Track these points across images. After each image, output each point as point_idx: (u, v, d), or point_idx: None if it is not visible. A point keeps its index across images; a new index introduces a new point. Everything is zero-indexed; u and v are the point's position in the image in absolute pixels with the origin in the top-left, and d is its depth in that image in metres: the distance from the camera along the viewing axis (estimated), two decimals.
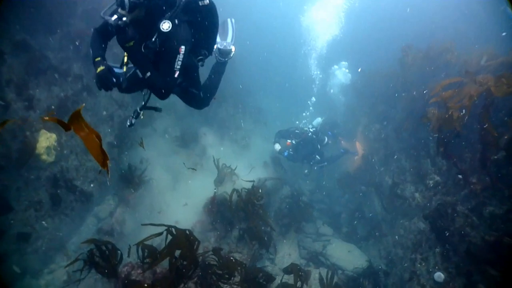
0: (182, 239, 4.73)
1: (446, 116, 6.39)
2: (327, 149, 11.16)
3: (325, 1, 16.26)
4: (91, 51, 3.48)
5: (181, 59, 3.35)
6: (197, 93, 4.32)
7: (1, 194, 5.69)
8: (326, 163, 10.99)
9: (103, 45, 3.61)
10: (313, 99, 14.95)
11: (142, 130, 9.75)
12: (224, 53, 4.80)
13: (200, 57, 4.12)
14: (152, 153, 9.25)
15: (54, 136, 6.41)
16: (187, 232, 4.88)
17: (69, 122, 1.98)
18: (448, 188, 6.71)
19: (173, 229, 4.78)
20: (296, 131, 10.65)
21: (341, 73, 15.20)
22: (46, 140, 6.25)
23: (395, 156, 9.27)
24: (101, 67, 3.29)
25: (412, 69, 9.88)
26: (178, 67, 3.36)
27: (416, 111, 8.51)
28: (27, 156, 5.96)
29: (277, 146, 10.56)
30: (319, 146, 10.73)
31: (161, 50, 3.41)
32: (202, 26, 3.80)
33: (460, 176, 6.21)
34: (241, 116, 13.48)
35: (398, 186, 8.47)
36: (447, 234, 5.74)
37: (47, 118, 2.00)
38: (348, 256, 8.38)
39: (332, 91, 15.33)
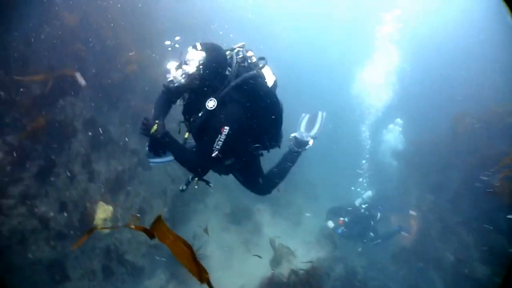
0: None
1: None
2: (380, 225, 10.58)
3: (375, 66, 16.49)
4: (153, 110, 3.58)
5: (222, 140, 3.14)
6: (256, 179, 4.11)
7: (61, 262, 5.73)
8: (380, 240, 10.40)
9: (166, 108, 3.67)
10: (364, 162, 14.51)
11: (195, 205, 9.81)
12: (300, 143, 4.59)
13: (257, 145, 3.77)
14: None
15: (110, 208, 6.55)
16: None
17: (152, 229, 1.92)
18: None
19: None
20: (349, 208, 10.38)
21: (394, 136, 14.84)
22: (103, 212, 6.38)
23: (454, 230, 8.58)
24: (155, 128, 3.30)
25: (464, 137, 9.51)
26: (218, 147, 3.15)
27: (475, 181, 8.00)
28: (86, 226, 6.07)
29: (330, 224, 10.24)
30: (372, 223, 10.30)
31: (204, 127, 3.28)
32: (259, 110, 3.49)
33: None
34: (292, 192, 13.33)
35: (463, 264, 7.72)
36: None
37: (133, 226, 1.98)
38: None
39: (382, 156, 14.78)
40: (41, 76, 6.07)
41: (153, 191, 8.62)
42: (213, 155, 3.16)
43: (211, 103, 3.17)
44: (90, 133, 6.86)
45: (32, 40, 6.35)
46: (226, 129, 3.13)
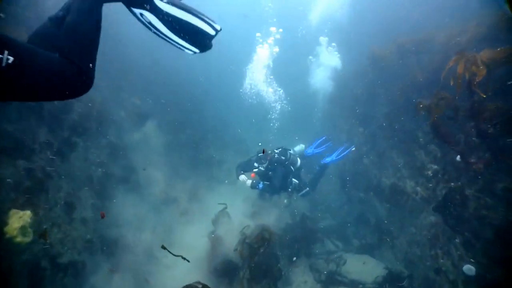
0: None
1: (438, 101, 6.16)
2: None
3: None
4: None
5: None
6: None
7: None
8: (308, 188, 8.97)
9: None
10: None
11: (124, 186, 9.30)
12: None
13: None
14: (139, 210, 8.86)
15: (28, 213, 5.84)
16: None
17: None
18: (449, 174, 6.45)
19: None
20: (259, 154, 8.63)
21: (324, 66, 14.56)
22: (18, 220, 5.69)
23: (387, 155, 9.03)
24: None
25: (384, 65, 9.74)
26: None
27: (399, 105, 8.38)
28: None
29: (247, 181, 8.37)
30: (292, 169, 8.81)
31: None
32: None
33: (458, 159, 5.97)
34: (223, 152, 13.20)
35: (396, 184, 8.21)
36: (463, 221, 5.43)
37: None
38: (364, 268, 7.95)
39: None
40: None
41: (78, 181, 8.02)
42: None
43: None
44: None
45: None
46: None
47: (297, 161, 8.92)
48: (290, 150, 9.00)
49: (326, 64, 14.53)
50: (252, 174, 8.31)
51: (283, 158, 8.59)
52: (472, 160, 5.56)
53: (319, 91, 14.11)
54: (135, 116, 11.43)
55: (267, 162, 8.39)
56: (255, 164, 8.49)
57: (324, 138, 10.01)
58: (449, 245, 5.89)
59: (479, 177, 5.34)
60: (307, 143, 10.24)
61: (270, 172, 8.36)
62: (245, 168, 8.64)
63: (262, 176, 8.43)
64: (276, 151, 8.68)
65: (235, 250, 6.75)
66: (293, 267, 7.94)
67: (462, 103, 5.72)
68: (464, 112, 5.73)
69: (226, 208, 8.27)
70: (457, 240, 5.66)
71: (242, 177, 8.37)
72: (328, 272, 7.97)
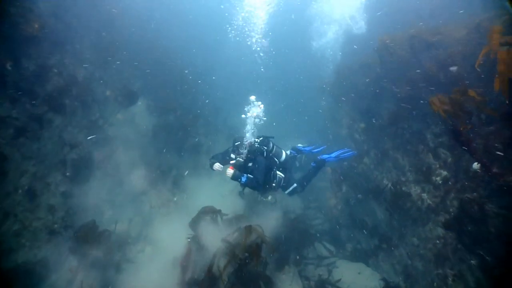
0: None
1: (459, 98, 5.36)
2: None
3: None
4: None
5: None
6: None
7: None
8: (296, 185, 7.55)
9: None
10: None
11: (100, 170, 8.49)
12: None
13: None
14: (115, 198, 8.07)
15: None
16: None
17: None
18: (462, 184, 5.69)
19: None
20: (237, 142, 7.20)
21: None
22: None
23: (390, 155, 8.25)
24: None
25: (392, 57, 8.87)
26: None
27: (407, 102, 7.57)
28: None
29: (227, 171, 6.75)
30: (276, 160, 7.57)
31: None
32: None
33: (476, 167, 5.22)
34: (213, 137, 12.38)
35: (400, 188, 7.44)
36: (482, 241, 4.67)
37: None
38: (359, 279, 7.30)
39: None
40: None
41: (47, 164, 7.18)
42: None
43: None
44: None
45: None
46: None
47: (281, 153, 7.64)
48: (273, 138, 7.70)
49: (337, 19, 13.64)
50: (230, 167, 6.84)
51: (264, 148, 7.33)
52: (495, 170, 4.79)
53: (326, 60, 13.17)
54: (121, 95, 10.50)
55: (246, 151, 7.08)
56: (232, 156, 7.13)
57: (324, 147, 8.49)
58: (461, 266, 5.14)
59: (506, 191, 4.56)
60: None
61: (250, 163, 7.05)
62: (221, 160, 7.19)
63: (242, 168, 7.01)
64: (256, 140, 7.36)
65: (212, 264, 5.90)
66: (280, 273, 7.19)
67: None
68: (490, 113, 4.95)
69: (220, 211, 7.46)
70: (472, 262, 4.91)
71: (217, 165, 6.94)
72: (319, 280, 7.27)
